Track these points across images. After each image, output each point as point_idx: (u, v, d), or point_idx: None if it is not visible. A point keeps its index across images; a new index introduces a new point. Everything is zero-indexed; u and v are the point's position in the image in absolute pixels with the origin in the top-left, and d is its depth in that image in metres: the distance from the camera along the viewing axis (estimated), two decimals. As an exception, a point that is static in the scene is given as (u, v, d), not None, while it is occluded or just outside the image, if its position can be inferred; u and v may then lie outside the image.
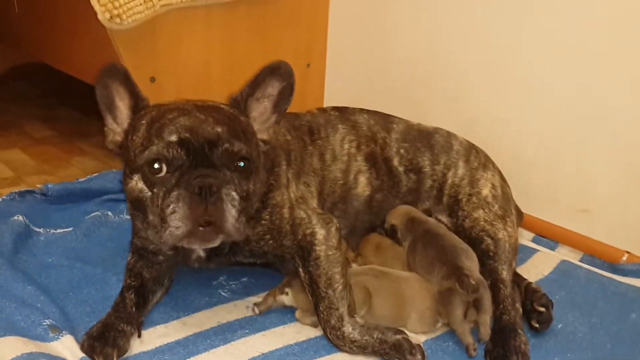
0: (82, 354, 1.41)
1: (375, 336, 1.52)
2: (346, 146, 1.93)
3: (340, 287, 1.57)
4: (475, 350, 1.55)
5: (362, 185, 1.92)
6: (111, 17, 2.06)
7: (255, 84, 1.58)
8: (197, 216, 1.38)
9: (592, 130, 2.07)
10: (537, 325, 1.66)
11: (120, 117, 1.56)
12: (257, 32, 2.54)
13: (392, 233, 1.84)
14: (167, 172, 1.41)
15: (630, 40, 1.94)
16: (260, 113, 1.61)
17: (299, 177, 1.79)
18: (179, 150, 1.40)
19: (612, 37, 1.98)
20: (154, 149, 1.41)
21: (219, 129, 1.44)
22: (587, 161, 2.10)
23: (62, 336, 1.45)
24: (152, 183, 1.43)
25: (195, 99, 1.62)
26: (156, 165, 1.41)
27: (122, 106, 1.55)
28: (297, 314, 1.65)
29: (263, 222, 1.63)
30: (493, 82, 2.30)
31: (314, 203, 1.76)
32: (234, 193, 1.42)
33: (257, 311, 1.66)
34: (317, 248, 1.61)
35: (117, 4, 2.06)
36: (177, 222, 1.38)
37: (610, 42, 1.98)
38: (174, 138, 1.41)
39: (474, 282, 1.56)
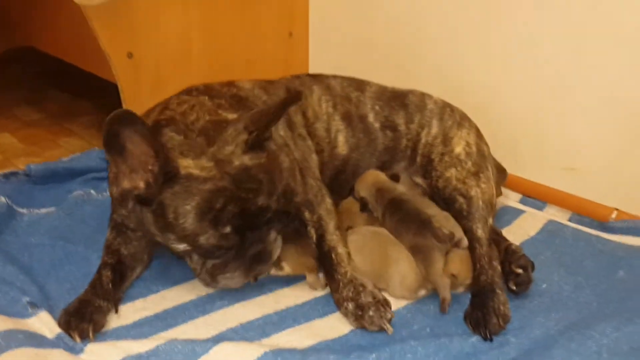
0: (59, 330, 1.41)
1: (366, 281, 1.57)
2: (323, 105, 1.93)
3: (343, 237, 1.68)
4: (449, 306, 1.54)
5: (341, 145, 1.93)
6: (80, -7, 2.03)
7: (278, 117, 1.53)
8: (251, 273, 1.56)
9: (577, 87, 2.02)
10: (514, 288, 1.61)
11: (135, 163, 1.39)
12: (237, 2, 2.49)
13: (362, 206, 1.83)
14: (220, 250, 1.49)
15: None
16: None
17: (293, 131, 1.79)
18: (234, 237, 1.46)
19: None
20: (213, 241, 1.45)
21: (264, 203, 1.47)
22: (574, 118, 2.06)
23: (40, 311, 1.46)
24: (203, 255, 1.51)
25: (208, 127, 1.49)
26: (211, 250, 1.48)
27: (139, 153, 1.38)
28: (308, 278, 1.66)
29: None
30: (478, 44, 2.24)
31: (317, 170, 1.82)
32: (274, 234, 1.56)
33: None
34: (328, 201, 1.74)
35: (85, -21, 2.03)
36: (232, 283, 1.56)
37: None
38: (228, 230, 1.44)
39: (447, 232, 1.54)
